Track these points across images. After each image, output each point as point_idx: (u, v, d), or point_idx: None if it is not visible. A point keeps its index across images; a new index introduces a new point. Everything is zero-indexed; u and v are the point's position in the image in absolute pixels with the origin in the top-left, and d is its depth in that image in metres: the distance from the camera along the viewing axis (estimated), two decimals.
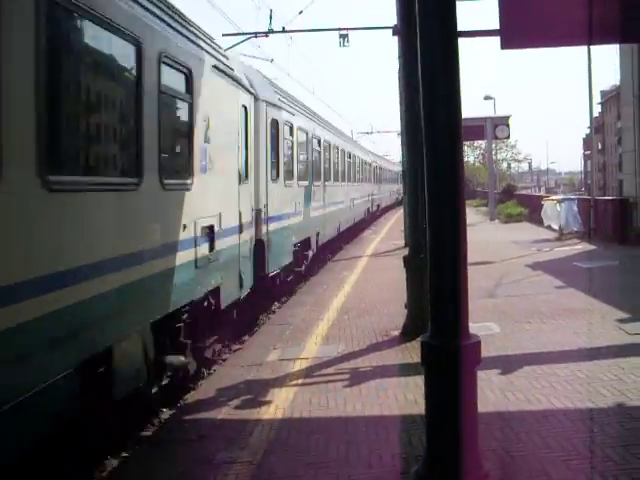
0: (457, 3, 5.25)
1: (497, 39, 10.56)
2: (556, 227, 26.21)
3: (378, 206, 51.93)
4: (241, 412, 7.92)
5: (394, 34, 16.97)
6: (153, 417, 8.58)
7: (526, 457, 5.92)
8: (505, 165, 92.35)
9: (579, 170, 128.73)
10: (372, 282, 17.52)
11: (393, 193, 69.96)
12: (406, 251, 12.03)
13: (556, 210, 26.21)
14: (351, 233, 33.22)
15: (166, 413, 8.82)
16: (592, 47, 24.33)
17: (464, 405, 5.08)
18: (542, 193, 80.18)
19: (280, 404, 8.03)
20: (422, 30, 5.14)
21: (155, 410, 8.77)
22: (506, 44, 10.77)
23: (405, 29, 10.92)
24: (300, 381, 8.98)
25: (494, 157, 50.78)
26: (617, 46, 25.42)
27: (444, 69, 5.05)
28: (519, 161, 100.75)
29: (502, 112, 44.14)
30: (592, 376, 7.96)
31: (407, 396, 7.91)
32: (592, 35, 10.76)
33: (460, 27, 5.39)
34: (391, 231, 35.22)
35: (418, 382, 8.26)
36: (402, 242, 24.76)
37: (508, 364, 8.75)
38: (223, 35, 24.06)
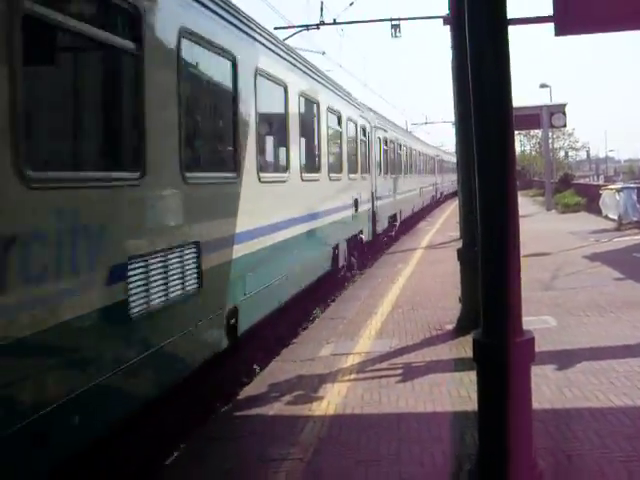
0: None
1: (551, 25, 10.37)
2: (615, 217, 25.66)
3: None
4: (293, 408, 7.88)
5: (445, 23, 16.72)
6: (209, 412, 8.62)
7: (583, 457, 5.77)
8: (562, 154, 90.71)
9: (639, 157, 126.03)
10: (427, 275, 17.35)
11: (453, 182, 70.69)
12: (461, 243, 11.88)
13: (615, 199, 25.65)
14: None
15: (220, 408, 8.84)
16: None
17: (517, 402, 4.96)
18: (600, 182, 78.64)
19: (332, 400, 7.97)
20: (471, 18, 5.03)
21: (210, 405, 8.83)
22: (561, 31, 10.47)
23: (456, 18, 10.72)
24: (352, 376, 8.91)
25: (550, 146, 49.95)
26: None
27: (494, 58, 4.93)
28: (577, 149, 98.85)
29: (558, 100, 43.35)
30: None
31: (460, 392, 7.78)
32: None
33: (512, 14, 5.26)
34: (447, 222, 34.89)
35: (472, 378, 8.08)
36: (457, 234, 24.58)
37: (565, 359, 8.57)
38: (275, 28, 24.06)
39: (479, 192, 5.02)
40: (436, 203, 52.98)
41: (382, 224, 24.22)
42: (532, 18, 10.22)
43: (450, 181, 68.66)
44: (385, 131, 26.52)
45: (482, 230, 5.03)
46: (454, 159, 69.95)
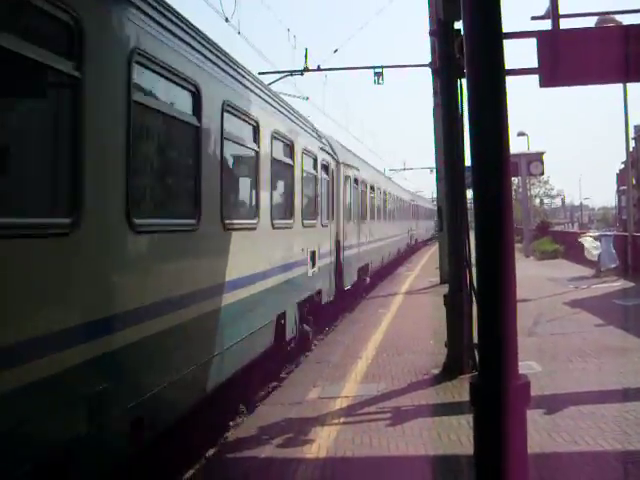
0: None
1: (530, 77, 10.67)
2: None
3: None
4: (284, 451, 7.89)
5: (433, 72, 17.05)
6: (196, 458, 8.58)
7: None
8: (538, 201, 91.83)
9: (612, 205, 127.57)
10: (409, 319, 17.43)
11: (429, 229, 71.01)
12: (442, 289, 11.99)
13: (594, 246, 25.99)
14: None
15: (209, 452, 8.83)
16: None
17: (514, 446, 5.03)
18: (576, 229, 79.49)
19: (323, 443, 7.99)
20: (471, 68, 5.17)
21: (198, 450, 8.79)
22: (545, 82, 10.82)
23: (444, 67, 10.98)
24: (342, 420, 8.94)
25: (527, 193, 50.56)
26: None
27: (493, 106, 5.09)
28: (552, 197, 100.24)
29: (535, 148, 43.95)
30: None
31: (450, 436, 7.83)
32: (629, 72, 10.80)
33: None
34: (425, 268, 35.07)
35: (461, 421, 8.23)
36: (438, 279, 24.72)
37: (552, 404, 8.65)
38: (260, 73, 24.30)
39: (477, 239, 5.13)
40: (411, 250, 51.44)
41: (351, 278, 21.35)
42: (522, 69, 10.58)
43: (425, 227, 68.64)
44: (356, 169, 23.27)
45: (480, 275, 5.13)
46: (429, 204, 70.74)
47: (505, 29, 5.00)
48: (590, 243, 27.34)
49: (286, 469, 7.23)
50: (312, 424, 8.80)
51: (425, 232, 68.42)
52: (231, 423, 10.16)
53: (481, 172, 5.16)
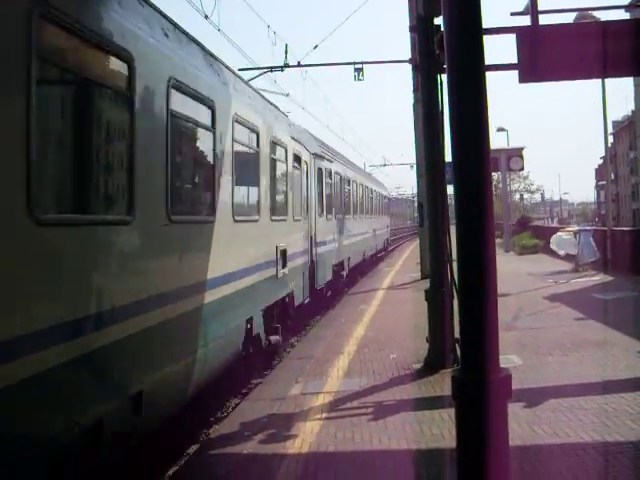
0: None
1: (509, 72, 10.75)
2: (571, 253, 26.13)
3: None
4: (267, 446, 7.90)
5: (413, 68, 17.11)
6: (179, 455, 8.59)
7: None
8: (518, 196, 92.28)
9: (592, 201, 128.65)
10: (391, 315, 17.46)
11: (406, 224, 71.57)
12: (423, 284, 12.03)
13: (573, 240, 26.16)
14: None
15: (191, 448, 8.84)
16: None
17: (496, 439, 5.08)
18: (555, 224, 79.98)
19: (306, 438, 8.01)
20: (451, 64, 5.20)
21: (180, 447, 8.79)
22: (524, 77, 10.91)
23: (424, 63, 11.01)
24: (324, 415, 8.96)
25: (507, 188, 50.82)
26: (631, 78, 25.55)
27: (473, 102, 5.12)
28: (532, 192, 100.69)
29: (515, 144, 44.23)
30: (619, 409, 7.93)
31: (433, 430, 7.88)
32: (607, 68, 10.91)
33: None
34: (406, 263, 35.18)
35: (443, 416, 8.28)
36: (419, 275, 24.79)
37: (533, 397, 8.72)
38: (239, 69, 24.28)
39: (458, 233, 5.17)
40: (389, 246, 51.87)
41: (324, 276, 20.50)
42: (502, 65, 10.65)
43: (402, 223, 68.94)
44: (329, 161, 22.51)
45: (461, 269, 5.17)
46: (404, 199, 71.41)
47: (485, 25, 5.03)
48: (558, 240, 27.52)
49: (270, 465, 7.24)
50: (295, 420, 8.82)
51: (403, 227, 68.79)
52: (212, 419, 10.17)
53: (461, 168, 5.20)
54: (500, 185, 48.79)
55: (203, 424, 9.97)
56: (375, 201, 40.97)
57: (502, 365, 5.67)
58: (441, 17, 5.56)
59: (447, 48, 5.24)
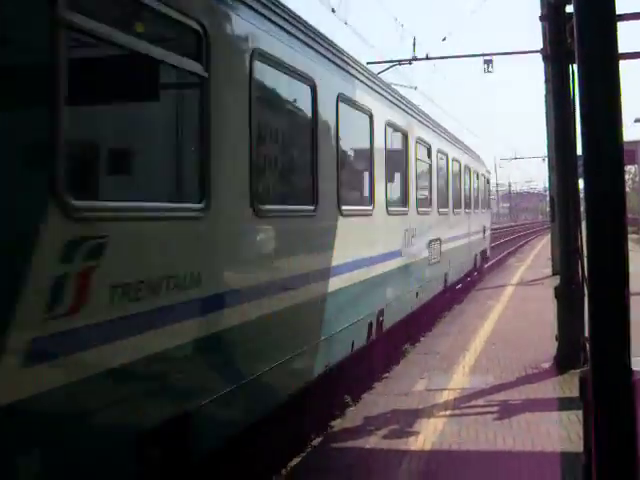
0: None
1: None
2: None
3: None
4: (389, 442, 7.85)
5: (544, 58, 16.62)
6: (303, 445, 8.67)
7: None
8: None
9: None
10: (519, 312, 17.09)
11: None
12: (555, 280, 11.69)
13: None
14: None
15: (315, 441, 8.90)
16: None
17: (627, 443, 4.85)
18: None
19: (428, 435, 7.92)
20: (582, 53, 5.00)
21: (304, 438, 8.88)
22: None
23: (555, 53, 10.66)
24: (448, 412, 8.85)
25: None
26: None
27: (605, 92, 4.91)
28: None
29: None
30: None
31: (560, 432, 7.65)
32: None
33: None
34: (537, 258, 34.32)
35: (571, 417, 8.01)
36: (550, 270, 24.13)
37: None
38: (368, 63, 24.28)
39: (589, 228, 4.97)
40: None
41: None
42: (634, 53, 10.17)
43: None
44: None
45: (592, 268, 4.97)
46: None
47: (618, 11, 4.81)
48: None
49: (390, 461, 7.20)
50: (418, 416, 8.74)
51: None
52: (337, 412, 10.22)
53: (592, 162, 4.98)
54: (637, 179, 46.74)
55: (328, 416, 9.99)
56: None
57: (635, 368, 5.45)
58: (572, 4, 5.33)
59: (577, 36, 5.03)
